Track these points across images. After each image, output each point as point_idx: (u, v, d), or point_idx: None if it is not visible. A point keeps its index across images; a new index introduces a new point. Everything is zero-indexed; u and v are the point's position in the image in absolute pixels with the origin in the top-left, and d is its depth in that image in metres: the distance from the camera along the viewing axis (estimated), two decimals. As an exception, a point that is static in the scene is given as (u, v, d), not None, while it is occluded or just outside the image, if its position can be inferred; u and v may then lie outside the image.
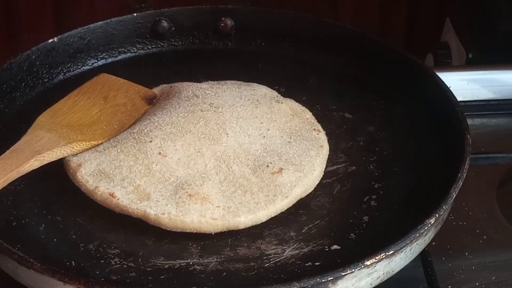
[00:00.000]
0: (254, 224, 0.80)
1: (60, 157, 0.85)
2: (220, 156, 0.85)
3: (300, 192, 0.83)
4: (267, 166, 0.85)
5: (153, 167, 0.83)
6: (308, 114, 0.94)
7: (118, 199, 0.81)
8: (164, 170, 0.83)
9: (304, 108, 0.94)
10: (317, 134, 0.90)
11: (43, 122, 0.89)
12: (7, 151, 0.82)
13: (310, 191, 0.85)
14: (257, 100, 0.93)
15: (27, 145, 0.84)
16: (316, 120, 0.93)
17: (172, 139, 0.86)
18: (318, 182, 0.86)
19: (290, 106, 0.94)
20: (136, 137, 0.87)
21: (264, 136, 0.88)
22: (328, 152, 0.89)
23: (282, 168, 0.84)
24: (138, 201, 0.80)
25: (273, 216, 0.82)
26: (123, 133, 0.88)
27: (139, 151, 0.85)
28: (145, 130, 0.87)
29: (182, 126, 0.88)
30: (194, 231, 0.79)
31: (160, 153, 0.85)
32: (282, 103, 0.94)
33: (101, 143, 0.88)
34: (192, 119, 0.89)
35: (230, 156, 0.85)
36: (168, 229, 0.80)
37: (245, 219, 0.80)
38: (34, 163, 0.82)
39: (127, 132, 0.88)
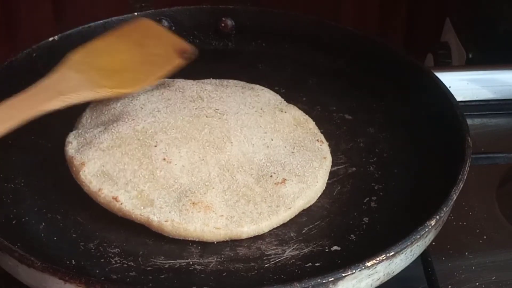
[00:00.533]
0: (256, 234, 0.80)
1: (84, 100, 0.86)
2: (224, 164, 0.85)
3: (303, 203, 0.83)
4: (271, 176, 0.85)
5: (157, 173, 0.83)
6: (311, 124, 0.93)
7: (121, 204, 0.81)
8: (168, 177, 0.83)
9: (307, 117, 0.94)
10: (320, 145, 0.90)
11: (74, 61, 0.90)
12: (33, 86, 0.84)
13: (312, 202, 0.85)
14: (261, 109, 0.93)
15: (53, 83, 0.85)
16: (319, 130, 0.93)
17: (177, 145, 0.86)
18: (320, 193, 0.86)
19: (293, 116, 0.94)
20: (141, 138, 0.86)
21: (268, 146, 0.88)
22: (330, 164, 0.89)
23: (285, 179, 0.84)
24: (142, 207, 0.80)
25: (275, 227, 0.82)
26: (127, 131, 0.87)
27: (143, 155, 0.85)
28: (150, 131, 0.87)
29: (187, 132, 0.88)
30: (197, 239, 0.79)
31: (164, 159, 0.84)
32: (285, 112, 0.94)
33: (127, 93, 0.89)
34: (197, 125, 0.89)
35: (234, 165, 0.85)
36: (171, 236, 0.80)
37: (247, 229, 0.80)
38: (57, 103, 0.83)
39: (130, 128, 0.87)
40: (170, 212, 0.80)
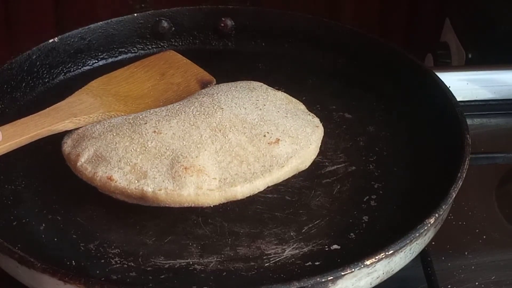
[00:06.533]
0: (251, 193, 0.80)
1: (96, 121, 0.87)
2: (216, 126, 0.84)
3: (297, 163, 0.83)
4: (264, 135, 0.84)
5: (149, 144, 0.82)
6: (302, 106, 0.93)
7: (116, 182, 0.80)
8: (160, 146, 0.82)
9: (298, 101, 0.94)
10: (312, 118, 0.90)
11: (93, 87, 0.91)
12: (48, 108, 0.86)
13: (306, 164, 0.85)
14: (253, 87, 0.93)
15: (67, 106, 0.87)
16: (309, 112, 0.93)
17: (167, 120, 0.85)
18: (314, 157, 0.86)
19: (285, 96, 0.94)
20: (132, 121, 0.86)
21: (260, 109, 0.88)
22: (323, 133, 0.89)
23: (279, 139, 0.84)
24: (136, 181, 0.80)
25: (270, 185, 0.81)
26: (118, 118, 0.88)
27: (134, 132, 0.84)
28: (141, 116, 0.87)
29: (177, 109, 0.87)
30: (193, 204, 0.79)
31: (155, 131, 0.84)
32: (277, 91, 0.94)
33: None
34: (187, 104, 0.89)
35: (226, 125, 0.85)
36: (167, 205, 0.79)
37: (241, 188, 0.80)
38: (68, 124, 0.85)
39: (121, 118, 0.88)
40: (163, 181, 0.79)
